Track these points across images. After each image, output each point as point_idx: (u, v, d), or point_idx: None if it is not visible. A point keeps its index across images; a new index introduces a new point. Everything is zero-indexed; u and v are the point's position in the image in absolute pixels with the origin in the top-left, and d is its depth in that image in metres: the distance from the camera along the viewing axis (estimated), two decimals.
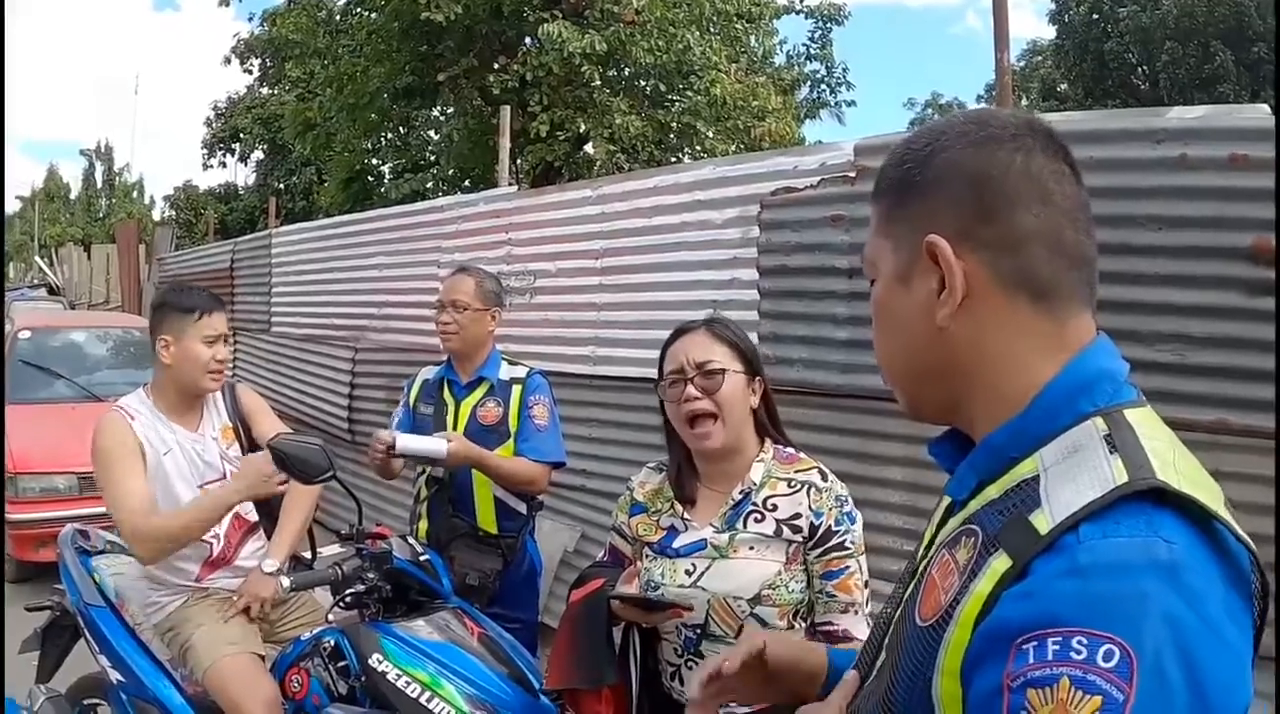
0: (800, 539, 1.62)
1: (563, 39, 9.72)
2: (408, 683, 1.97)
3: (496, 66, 10.72)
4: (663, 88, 11.09)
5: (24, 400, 5.65)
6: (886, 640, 0.81)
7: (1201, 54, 18.42)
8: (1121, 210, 2.39)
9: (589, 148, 11.27)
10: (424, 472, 2.77)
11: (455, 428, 2.70)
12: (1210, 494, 0.65)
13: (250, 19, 22.76)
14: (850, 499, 1.68)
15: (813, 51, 14.67)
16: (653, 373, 1.78)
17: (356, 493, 2.27)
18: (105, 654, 2.47)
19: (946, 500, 0.81)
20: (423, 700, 1.94)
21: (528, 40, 11.13)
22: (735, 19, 11.48)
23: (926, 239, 0.74)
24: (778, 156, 3.55)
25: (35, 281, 25.87)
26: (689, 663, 1.64)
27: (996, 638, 0.61)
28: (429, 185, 13.63)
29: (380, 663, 2.01)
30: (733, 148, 11.16)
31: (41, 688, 2.76)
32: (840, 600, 1.62)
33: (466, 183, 13.09)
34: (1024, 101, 21.78)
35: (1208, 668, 0.57)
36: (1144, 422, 0.70)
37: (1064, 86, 22.20)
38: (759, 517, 1.64)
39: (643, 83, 11.37)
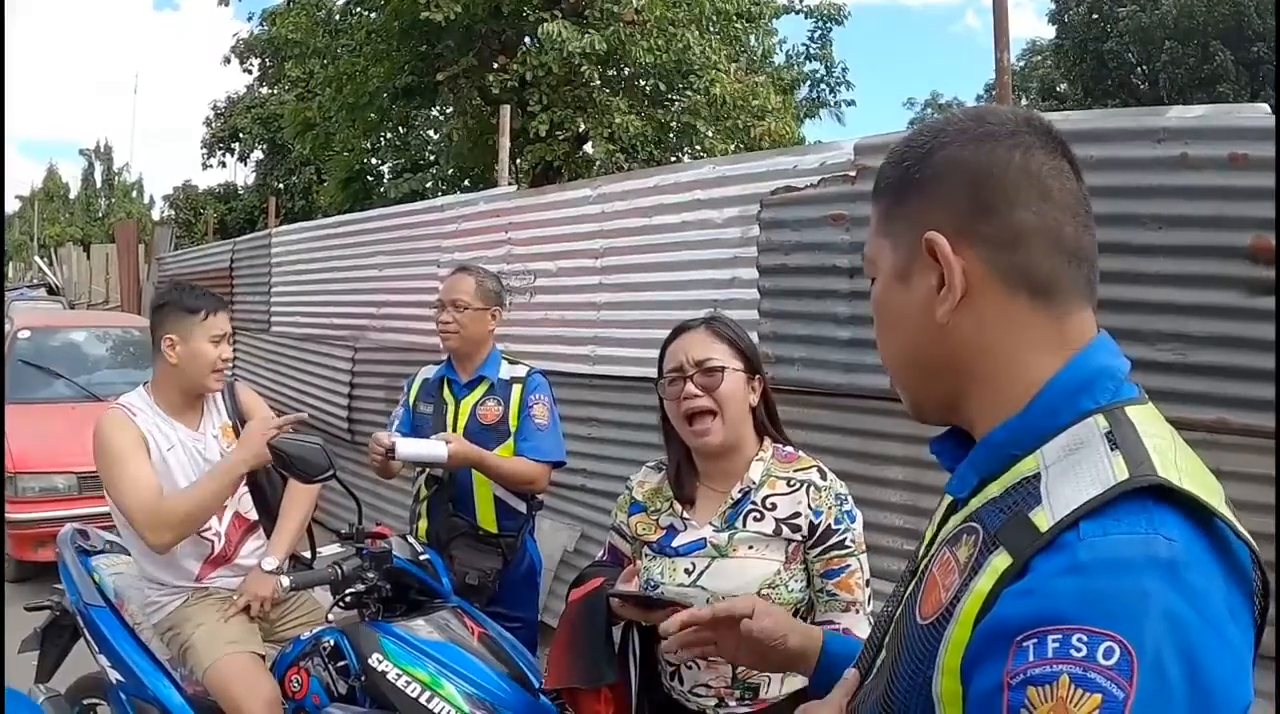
0: (800, 538, 1.62)
1: (562, 38, 9.72)
2: (408, 682, 1.97)
3: (496, 66, 10.72)
4: (662, 87, 11.08)
5: (24, 400, 5.65)
6: (887, 639, 0.81)
7: (1201, 54, 18.43)
8: (1121, 209, 2.39)
9: (588, 147, 11.27)
10: (423, 471, 2.77)
11: (455, 427, 2.70)
12: (1211, 491, 0.65)
13: (249, 19, 22.81)
14: (850, 498, 1.67)
15: (812, 51, 14.64)
16: (652, 372, 1.78)
17: (356, 492, 2.27)
18: (105, 654, 2.47)
19: (948, 499, 0.81)
20: (423, 700, 1.94)
21: (527, 40, 11.13)
22: (735, 18, 11.46)
23: (925, 236, 0.74)
24: (778, 156, 3.55)
25: (34, 281, 25.89)
26: (688, 662, 1.63)
27: (996, 636, 0.61)
28: (428, 185, 13.61)
29: (380, 662, 2.01)
30: (732, 147, 11.15)
31: (41, 688, 2.76)
32: (841, 599, 1.62)
33: (466, 182, 13.09)
34: (1023, 101, 21.79)
35: (1208, 666, 0.57)
36: (1145, 419, 0.70)
37: (1063, 86, 22.21)
38: (758, 516, 1.64)
39: (642, 82, 11.36)
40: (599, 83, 10.27)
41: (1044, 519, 0.63)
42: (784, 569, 1.60)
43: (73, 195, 50.37)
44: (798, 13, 13.84)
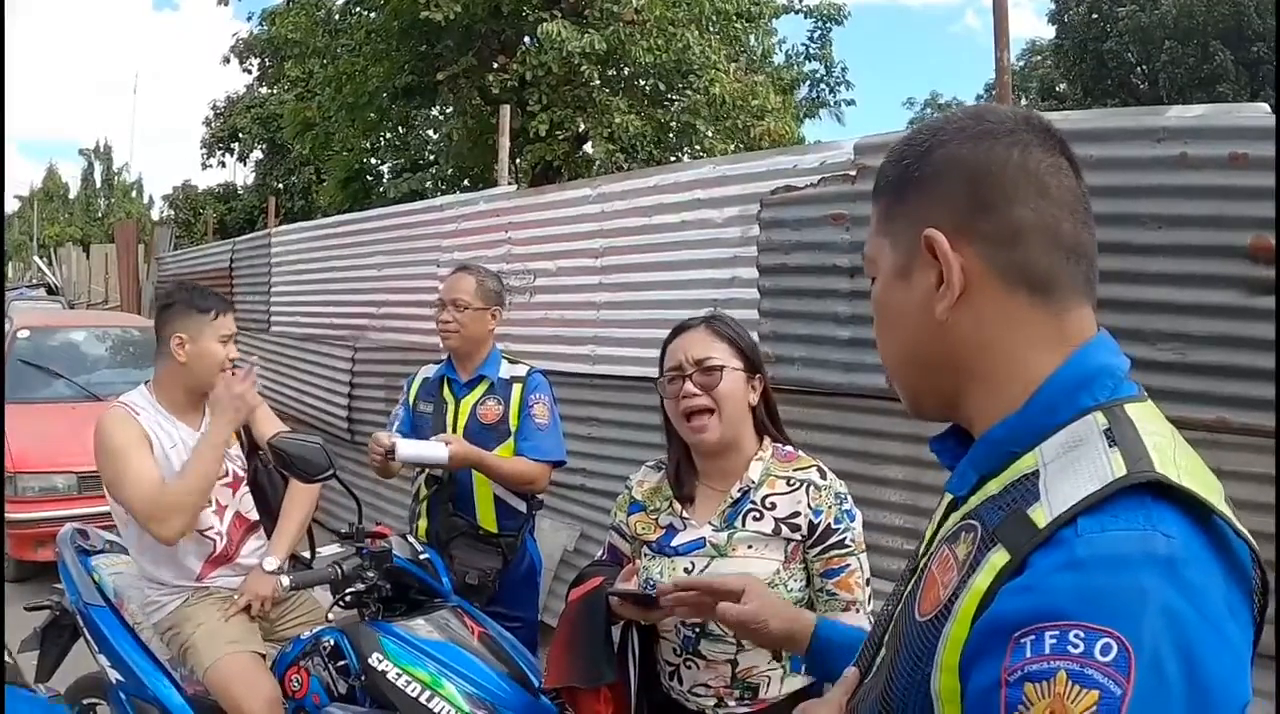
0: (799, 538, 1.62)
1: (562, 38, 9.72)
2: (408, 682, 1.97)
3: (496, 66, 10.73)
4: (662, 87, 11.09)
5: (23, 400, 5.64)
6: (886, 637, 0.81)
7: (1201, 53, 18.44)
8: (1121, 209, 2.39)
9: (588, 147, 11.28)
10: (423, 471, 2.77)
11: (455, 426, 2.70)
12: (1211, 489, 0.65)
13: (249, 18, 22.79)
14: (849, 497, 1.67)
15: (812, 51, 14.66)
16: (652, 372, 1.79)
17: (356, 492, 2.27)
18: (105, 653, 2.47)
19: (948, 497, 0.81)
20: (423, 700, 1.94)
21: (527, 40, 11.14)
22: (734, 18, 11.48)
23: (924, 233, 0.74)
24: (777, 155, 3.55)
25: (34, 281, 25.91)
26: (688, 662, 1.64)
27: (994, 632, 0.61)
28: (428, 185, 13.61)
29: (380, 662, 2.01)
30: (732, 147, 11.16)
31: (41, 687, 2.76)
32: (841, 598, 1.62)
33: (466, 182, 13.08)
34: (1023, 101, 21.80)
35: (1206, 663, 0.57)
36: (1145, 416, 0.69)
37: (1063, 86, 22.22)
38: (758, 515, 1.64)
39: (642, 82, 11.37)
40: (599, 82, 10.28)
41: (1042, 516, 0.63)
42: (783, 568, 1.60)
43: (72, 195, 50.37)
44: (797, 13, 13.86)
